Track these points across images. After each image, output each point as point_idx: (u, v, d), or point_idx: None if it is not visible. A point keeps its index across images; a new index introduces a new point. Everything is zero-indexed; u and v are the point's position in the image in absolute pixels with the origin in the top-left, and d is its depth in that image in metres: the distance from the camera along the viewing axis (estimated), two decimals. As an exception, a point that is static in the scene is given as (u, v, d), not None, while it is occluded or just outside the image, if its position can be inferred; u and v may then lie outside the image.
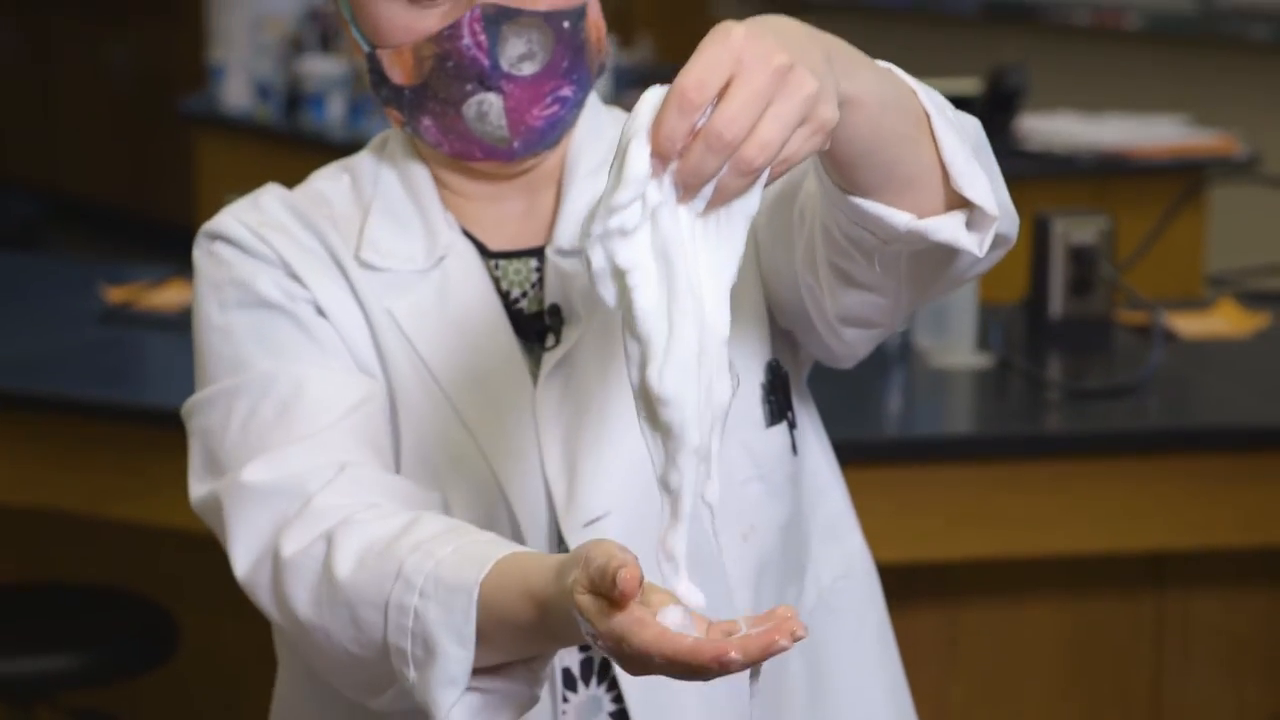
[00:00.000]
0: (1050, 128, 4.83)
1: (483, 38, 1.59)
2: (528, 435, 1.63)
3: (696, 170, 1.19)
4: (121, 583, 3.34)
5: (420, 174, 1.70)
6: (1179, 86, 6.21)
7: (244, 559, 1.55)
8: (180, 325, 3.38)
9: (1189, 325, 3.41)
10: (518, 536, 1.62)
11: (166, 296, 3.50)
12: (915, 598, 3.04)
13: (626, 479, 1.61)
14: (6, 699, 3.20)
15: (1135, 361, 3.20)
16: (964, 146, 1.40)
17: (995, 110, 4.71)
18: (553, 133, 1.65)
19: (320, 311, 1.65)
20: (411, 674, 1.43)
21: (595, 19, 1.66)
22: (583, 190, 1.69)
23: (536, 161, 1.69)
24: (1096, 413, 3.03)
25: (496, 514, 1.63)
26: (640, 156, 1.20)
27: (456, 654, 1.41)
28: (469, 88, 1.61)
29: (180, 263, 4.05)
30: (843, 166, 1.38)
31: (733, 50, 1.19)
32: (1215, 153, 4.78)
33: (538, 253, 1.69)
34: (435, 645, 1.41)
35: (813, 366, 1.77)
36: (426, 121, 1.65)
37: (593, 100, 1.72)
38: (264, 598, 1.55)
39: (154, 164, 8.13)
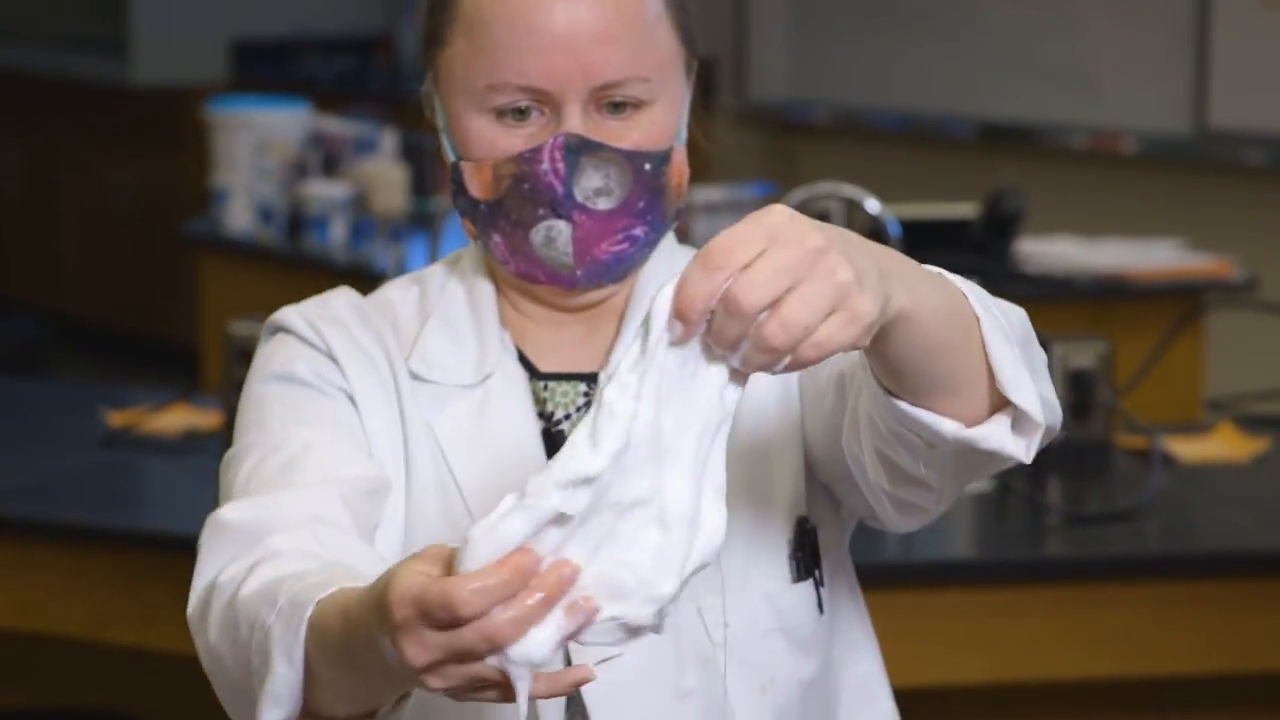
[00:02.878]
0: (1048, 251, 4.85)
1: (560, 165, 1.62)
2: None
3: (716, 334, 1.21)
4: (123, 708, 3.33)
5: (485, 289, 1.72)
6: (1176, 210, 6.24)
7: (195, 595, 1.57)
8: (181, 450, 3.39)
9: (1188, 449, 3.41)
10: None
11: (168, 421, 3.51)
12: (916, 723, 3.03)
13: None
14: (5, 825, 3.19)
15: (1135, 486, 3.20)
16: (1012, 349, 1.41)
17: (993, 233, 4.73)
18: (618, 268, 1.67)
19: (351, 400, 1.67)
20: (259, 693, 1.43)
21: (679, 164, 1.68)
22: None
23: (600, 296, 1.70)
24: (1096, 537, 3.03)
25: None
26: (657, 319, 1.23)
27: (283, 671, 1.40)
28: (540, 212, 1.63)
29: (182, 386, 4.07)
30: (891, 373, 1.39)
31: (767, 226, 1.21)
32: (1212, 276, 4.80)
33: (589, 377, 1.70)
34: (270, 661, 1.41)
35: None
36: (496, 238, 1.67)
37: (668, 239, 1.74)
38: (198, 634, 1.55)
39: (157, 287, 8.15)
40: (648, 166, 1.64)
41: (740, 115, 7.49)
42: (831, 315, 1.22)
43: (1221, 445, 3.45)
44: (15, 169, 8.84)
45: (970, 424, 1.42)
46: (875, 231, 4.16)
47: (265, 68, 8.18)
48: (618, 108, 1.63)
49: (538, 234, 1.64)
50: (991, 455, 1.44)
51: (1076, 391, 3.32)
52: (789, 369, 1.24)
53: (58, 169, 8.64)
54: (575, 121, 1.62)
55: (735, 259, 1.20)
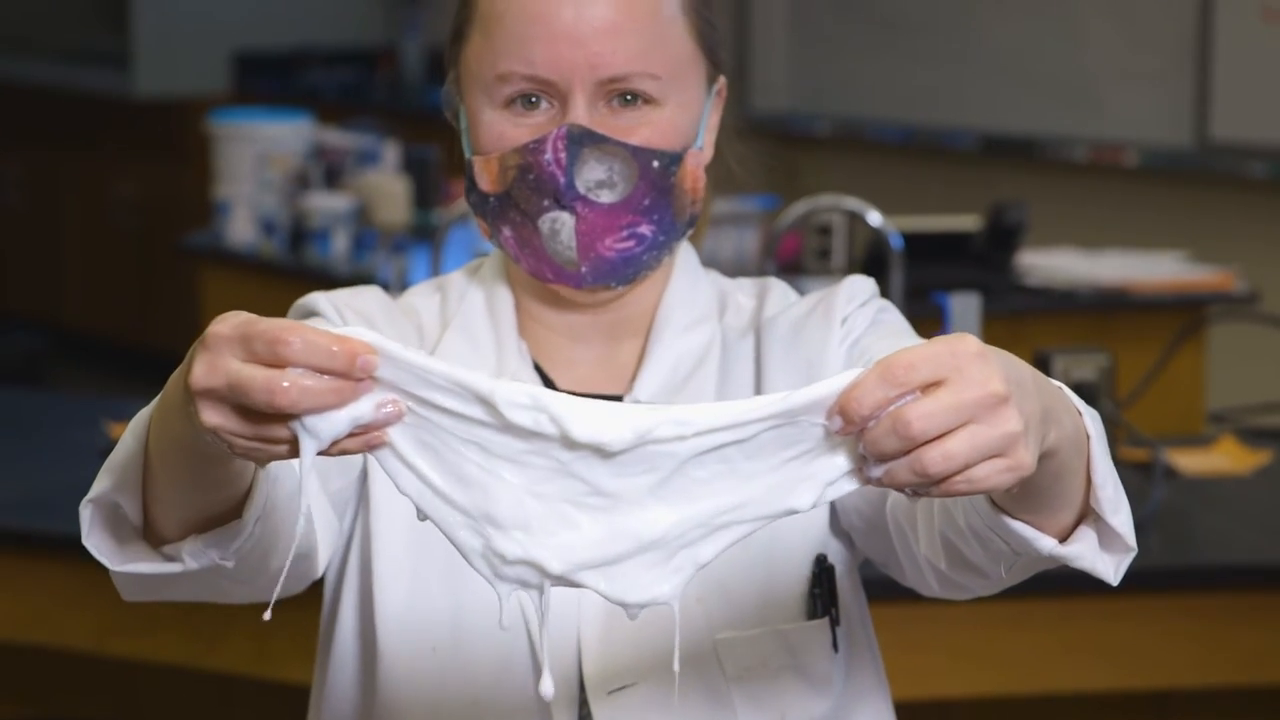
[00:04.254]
0: (1050, 264, 4.85)
1: (562, 155, 1.61)
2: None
3: (872, 443, 1.20)
4: (123, 720, 3.33)
5: (504, 297, 1.72)
6: (1177, 223, 6.24)
7: None
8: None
9: (1190, 462, 3.41)
10: (538, 683, 1.61)
11: (170, 433, 3.50)
12: (918, 736, 3.03)
13: (657, 651, 1.60)
14: (6, 838, 3.18)
15: (1137, 499, 3.19)
16: (1113, 470, 1.40)
17: (995, 246, 4.73)
18: (626, 269, 1.66)
19: None
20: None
21: (693, 169, 1.68)
22: (670, 347, 1.69)
23: (610, 296, 1.69)
24: (1098, 550, 3.02)
25: (516, 656, 1.62)
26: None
27: (128, 442, 1.42)
28: (545, 203, 1.63)
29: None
30: (1011, 497, 1.38)
31: (958, 356, 1.21)
32: (1214, 289, 4.80)
33: (608, 399, 1.68)
34: (124, 439, 1.42)
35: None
36: (507, 232, 1.67)
37: (692, 259, 1.74)
38: None
39: (159, 299, 8.16)
40: (655, 164, 1.64)
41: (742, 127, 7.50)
42: (993, 458, 1.22)
43: (1223, 458, 3.45)
44: (18, 181, 8.84)
45: (1055, 534, 1.42)
46: (876, 244, 4.16)
47: (267, 80, 8.19)
48: (627, 104, 1.64)
49: (544, 225, 1.64)
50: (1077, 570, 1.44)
51: (1079, 404, 3.31)
52: (928, 494, 1.23)
53: (60, 181, 8.65)
54: (581, 113, 1.62)
55: (916, 378, 1.19)
